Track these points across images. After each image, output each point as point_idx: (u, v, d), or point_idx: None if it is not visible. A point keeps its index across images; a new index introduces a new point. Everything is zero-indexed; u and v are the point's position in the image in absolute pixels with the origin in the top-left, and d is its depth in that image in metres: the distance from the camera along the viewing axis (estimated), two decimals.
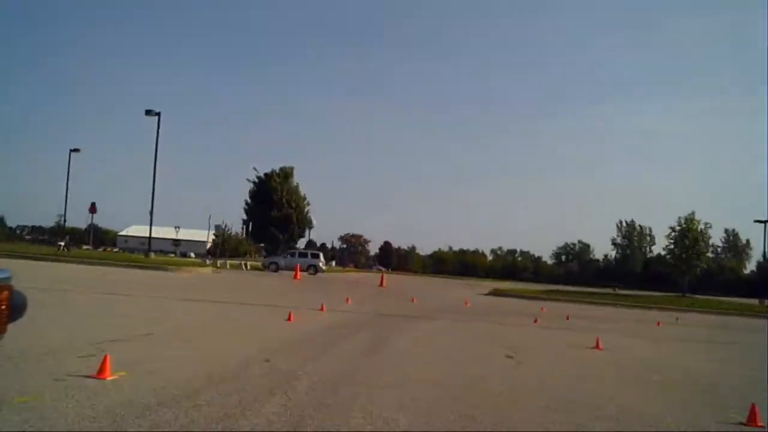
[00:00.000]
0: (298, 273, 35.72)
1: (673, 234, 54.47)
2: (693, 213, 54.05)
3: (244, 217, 78.79)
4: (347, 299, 20.70)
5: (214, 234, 76.70)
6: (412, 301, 23.89)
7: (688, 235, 52.90)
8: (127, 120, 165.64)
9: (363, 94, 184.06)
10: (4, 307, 2.92)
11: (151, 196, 43.31)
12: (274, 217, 75.36)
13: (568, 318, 21.44)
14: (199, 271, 34.17)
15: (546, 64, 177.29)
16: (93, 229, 63.78)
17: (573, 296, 37.21)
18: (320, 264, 53.96)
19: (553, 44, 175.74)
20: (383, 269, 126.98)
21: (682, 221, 53.74)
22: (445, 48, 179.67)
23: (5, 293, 2.91)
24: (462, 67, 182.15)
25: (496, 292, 37.19)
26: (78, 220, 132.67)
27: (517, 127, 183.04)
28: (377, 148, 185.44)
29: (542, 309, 25.78)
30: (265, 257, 63.49)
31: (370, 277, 57.73)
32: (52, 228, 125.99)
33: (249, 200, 77.34)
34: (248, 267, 56.86)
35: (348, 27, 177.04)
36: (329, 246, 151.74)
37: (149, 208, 42.31)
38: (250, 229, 77.08)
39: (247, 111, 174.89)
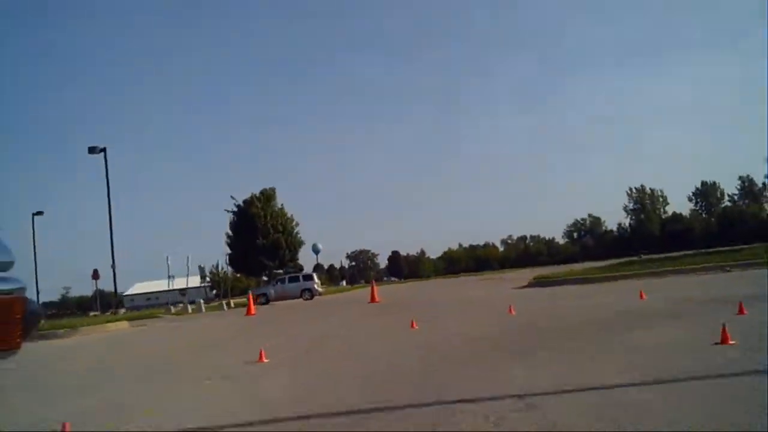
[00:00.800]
0: (252, 307, 23.31)
1: None
2: None
3: (229, 251, 66.68)
4: (261, 354, 8.37)
5: (202, 277, 66.09)
6: (411, 326, 11.38)
7: None
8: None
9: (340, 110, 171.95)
10: (18, 318, 2.32)
11: (110, 244, 39.29)
12: (260, 245, 63.66)
13: (742, 309, 8.93)
14: (101, 331, 21.49)
15: (534, 46, 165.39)
16: (99, 294, 59.34)
17: (639, 268, 24.28)
18: (315, 286, 43.02)
19: (536, 27, 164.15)
20: (395, 280, 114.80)
21: None
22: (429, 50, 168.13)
23: (19, 305, 2.33)
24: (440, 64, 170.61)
25: (539, 282, 24.17)
26: (84, 288, 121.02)
27: (502, 117, 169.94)
28: (367, 160, 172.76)
29: (642, 296, 13.41)
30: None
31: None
32: (58, 301, 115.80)
33: (230, 232, 65.44)
34: (231, 305, 44.99)
35: (338, 36, 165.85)
36: (338, 266, 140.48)
37: (111, 263, 40.05)
38: (227, 261, 65.00)
39: (232, 135, 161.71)
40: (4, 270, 2.10)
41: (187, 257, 50.00)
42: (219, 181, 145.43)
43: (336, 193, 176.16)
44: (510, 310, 12.80)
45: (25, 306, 2.49)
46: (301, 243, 67.99)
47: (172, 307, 45.32)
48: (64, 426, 3.98)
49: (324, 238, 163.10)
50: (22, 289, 2.45)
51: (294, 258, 67.15)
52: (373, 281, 28.44)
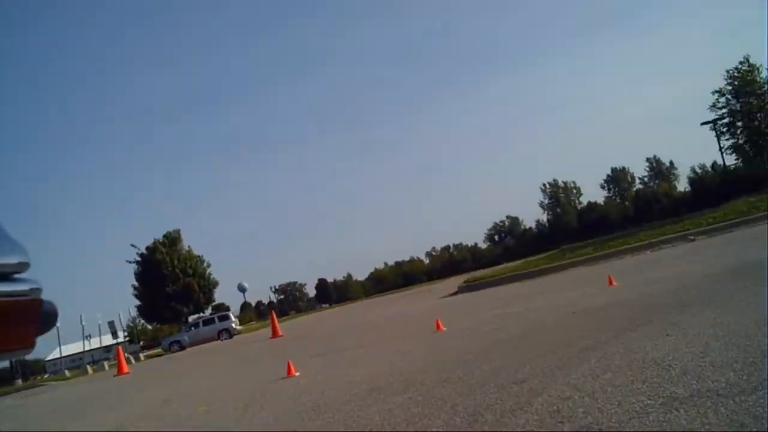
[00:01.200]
0: (123, 365, 18.17)
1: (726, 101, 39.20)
2: (748, 56, 39.28)
3: (138, 303, 60.30)
4: None
5: (113, 333, 59.56)
6: (288, 373, 7.06)
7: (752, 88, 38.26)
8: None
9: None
10: (34, 319, 1.77)
11: None
12: (171, 292, 57.83)
13: None
14: None
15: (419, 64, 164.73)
16: (20, 363, 55.21)
17: (581, 254, 20.73)
18: (233, 325, 38.61)
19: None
20: (324, 306, 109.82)
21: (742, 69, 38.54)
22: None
23: (35, 306, 1.79)
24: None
25: (470, 286, 20.02)
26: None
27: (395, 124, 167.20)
28: (274, 192, 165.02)
29: (611, 282, 9.73)
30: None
31: (284, 325, 40.32)
32: None
33: (136, 283, 59.21)
34: (141, 359, 38.97)
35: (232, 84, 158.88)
36: (266, 301, 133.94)
37: None
38: (138, 314, 59.20)
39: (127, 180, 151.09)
40: (20, 271, 1.61)
41: (80, 315, 44.36)
42: (127, 232, 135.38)
43: (255, 228, 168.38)
44: (438, 326, 8.76)
45: (41, 307, 1.91)
46: (215, 283, 62.26)
47: (67, 372, 39.23)
48: None
49: (250, 275, 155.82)
50: (39, 290, 1.83)
51: (210, 300, 61.38)
52: (273, 313, 23.96)
